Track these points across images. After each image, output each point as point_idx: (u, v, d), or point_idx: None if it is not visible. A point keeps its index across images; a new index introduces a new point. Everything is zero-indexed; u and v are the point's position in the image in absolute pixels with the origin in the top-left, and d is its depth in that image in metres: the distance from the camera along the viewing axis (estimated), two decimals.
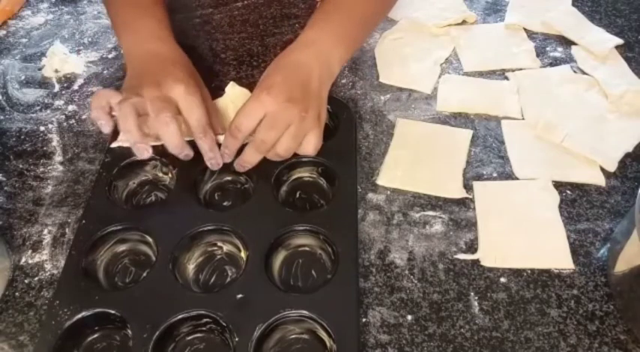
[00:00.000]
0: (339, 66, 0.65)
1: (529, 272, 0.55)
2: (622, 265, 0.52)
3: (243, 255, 0.56)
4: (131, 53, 0.65)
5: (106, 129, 0.60)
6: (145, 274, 0.55)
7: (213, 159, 0.59)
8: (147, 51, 0.64)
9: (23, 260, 0.58)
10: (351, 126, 0.66)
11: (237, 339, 0.48)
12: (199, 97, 0.59)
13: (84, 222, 0.58)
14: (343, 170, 0.61)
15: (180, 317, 0.50)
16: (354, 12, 0.67)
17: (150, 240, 0.57)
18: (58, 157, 0.68)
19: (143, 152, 0.59)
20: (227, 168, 0.62)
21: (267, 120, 0.56)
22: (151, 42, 0.65)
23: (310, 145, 0.58)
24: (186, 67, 0.64)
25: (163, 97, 0.57)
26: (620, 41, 0.77)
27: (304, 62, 0.60)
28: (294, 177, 0.64)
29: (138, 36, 0.66)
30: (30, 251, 0.59)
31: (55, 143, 0.69)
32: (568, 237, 0.57)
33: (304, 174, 0.64)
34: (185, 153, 0.59)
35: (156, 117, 0.56)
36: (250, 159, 0.58)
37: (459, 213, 0.60)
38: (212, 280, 0.56)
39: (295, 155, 0.61)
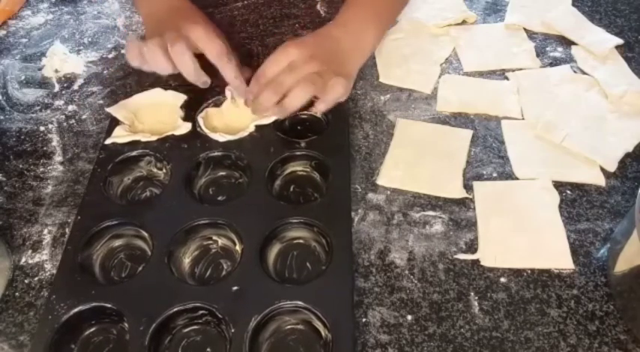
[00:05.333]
0: (373, 45, 0.71)
1: (529, 272, 0.55)
2: (622, 265, 0.52)
3: (238, 248, 0.56)
4: (150, 13, 0.71)
5: (151, 69, 0.65)
6: (140, 268, 0.55)
7: (240, 87, 0.64)
8: (166, 7, 0.69)
9: (23, 260, 0.58)
10: (343, 120, 0.67)
11: (233, 330, 0.49)
12: (214, 33, 0.63)
13: (79, 217, 0.58)
14: (336, 163, 0.61)
15: (176, 309, 0.50)
16: None
17: (145, 234, 0.57)
18: (58, 157, 0.68)
19: (204, 81, 0.65)
20: (221, 163, 0.64)
21: (288, 66, 0.61)
22: (168, 2, 0.70)
23: (335, 90, 0.61)
24: (199, 15, 0.68)
25: (182, 36, 0.61)
26: (620, 41, 0.77)
27: (336, 35, 0.66)
28: (287, 171, 0.64)
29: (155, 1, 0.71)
30: (30, 251, 0.59)
31: (55, 143, 0.70)
32: (568, 237, 0.57)
33: (298, 168, 0.64)
34: (202, 80, 0.64)
35: (171, 49, 0.61)
36: (266, 98, 0.60)
37: (459, 213, 0.60)
38: (208, 273, 0.56)
39: (290, 148, 0.62)
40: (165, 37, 0.62)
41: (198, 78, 0.64)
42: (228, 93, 0.67)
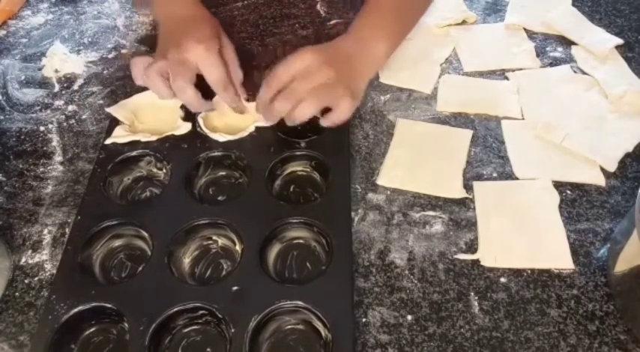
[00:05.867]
0: (384, 58, 0.69)
1: (529, 272, 0.55)
2: (622, 265, 0.52)
3: (238, 248, 0.56)
4: (163, 19, 0.70)
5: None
6: (140, 268, 0.55)
7: (237, 109, 0.66)
8: (176, 15, 0.68)
9: (23, 260, 0.58)
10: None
11: (233, 330, 0.49)
12: (216, 55, 0.63)
13: (79, 217, 0.58)
14: (336, 163, 0.62)
15: (176, 309, 0.51)
16: (397, 9, 0.70)
17: (145, 234, 0.57)
18: (58, 157, 0.68)
19: (208, 109, 0.66)
20: (221, 163, 0.64)
21: (301, 72, 0.60)
22: (179, 8, 0.69)
23: (341, 110, 0.60)
24: (208, 26, 0.67)
25: (182, 59, 0.61)
26: (620, 41, 0.77)
27: (347, 49, 0.65)
28: (287, 171, 0.64)
29: (170, 3, 0.70)
30: (30, 251, 0.59)
31: (55, 143, 0.70)
32: (568, 237, 0.57)
33: (298, 168, 0.64)
34: (205, 108, 0.65)
35: (173, 84, 0.61)
36: (279, 107, 0.60)
37: (459, 213, 0.60)
38: (208, 273, 0.56)
39: (290, 148, 0.63)
40: (168, 60, 0.62)
41: (201, 108, 0.65)
42: (214, 105, 0.67)
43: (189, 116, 0.67)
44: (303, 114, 0.59)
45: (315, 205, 0.59)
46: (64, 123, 0.72)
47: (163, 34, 0.68)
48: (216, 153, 0.64)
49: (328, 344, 0.49)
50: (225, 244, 0.58)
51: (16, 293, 0.56)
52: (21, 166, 0.67)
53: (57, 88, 0.77)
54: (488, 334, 0.51)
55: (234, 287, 0.52)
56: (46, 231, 0.60)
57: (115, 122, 0.67)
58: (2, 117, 0.73)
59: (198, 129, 0.66)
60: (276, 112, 0.61)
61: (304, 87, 0.59)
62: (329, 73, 0.60)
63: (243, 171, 0.64)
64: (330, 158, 0.62)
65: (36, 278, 0.57)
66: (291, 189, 0.63)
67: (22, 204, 0.63)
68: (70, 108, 0.74)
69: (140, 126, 0.68)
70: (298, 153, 0.63)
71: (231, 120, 0.67)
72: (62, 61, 0.79)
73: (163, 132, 0.65)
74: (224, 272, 0.56)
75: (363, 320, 0.52)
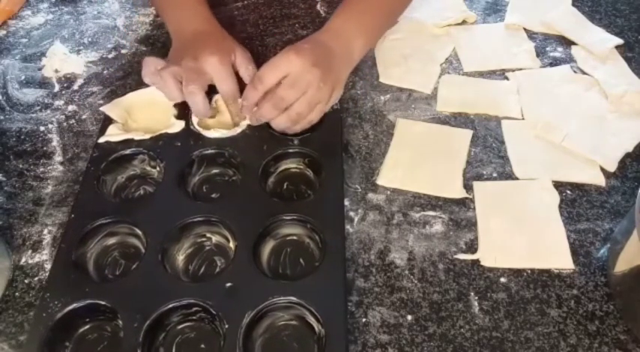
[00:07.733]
0: (360, 55, 0.68)
1: (529, 272, 0.55)
2: (622, 265, 0.52)
3: (231, 245, 0.57)
4: (177, 31, 0.71)
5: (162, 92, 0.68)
6: (134, 266, 0.55)
7: (239, 122, 0.66)
8: (191, 29, 0.69)
9: (23, 260, 0.58)
10: (337, 117, 0.67)
11: (226, 327, 0.49)
12: (230, 69, 0.64)
13: (73, 216, 0.58)
14: (329, 160, 0.62)
15: (170, 306, 0.51)
16: (377, 5, 0.70)
17: (139, 232, 0.57)
18: (58, 157, 0.68)
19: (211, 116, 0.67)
20: (214, 161, 0.64)
21: (289, 78, 0.59)
22: (194, 21, 0.70)
23: (315, 114, 0.61)
24: (222, 40, 0.69)
25: (198, 68, 0.63)
26: (620, 41, 0.77)
27: (328, 44, 0.64)
28: (281, 168, 0.64)
29: (183, 15, 0.72)
30: (30, 251, 0.59)
31: (55, 143, 0.69)
32: (568, 237, 0.57)
33: (291, 165, 0.64)
34: (209, 115, 0.66)
35: (185, 87, 0.62)
36: (266, 113, 0.61)
37: (459, 213, 0.60)
38: (201, 270, 0.56)
39: (283, 145, 0.63)
40: (183, 67, 0.63)
41: (205, 114, 0.65)
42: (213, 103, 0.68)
43: (183, 114, 0.67)
44: (293, 122, 0.60)
45: (308, 202, 0.59)
46: (64, 123, 0.72)
47: (178, 44, 0.69)
48: (209, 151, 0.64)
49: (322, 340, 0.49)
50: (218, 241, 0.58)
51: (16, 293, 0.56)
52: (21, 166, 0.67)
53: (57, 87, 0.77)
54: (488, 334, 0.51)
55: (228, 284, 0.52)
56: (46, 231, 0.60)
57: (108, 121, 0.67)
58: (2, 117, 0.73)
59: (192, 127, 0.66)
60: (262, 118, 0.61)
61: (292, 95, 0.59)
62: (315, 77, 0.59)
63: (236, 169, 0.64)
64: (324, 155, 0.62)
65: (36, 278, 0.57)
66: (285, 186, 0.63)
67: (22, 204, 0.63)
68: (70, 108, 0.74)
69: (133, 125, 0.68)
70: (291, 150, 0.63)
71: (224, 118, 0.67)
72: (62, 61, 0.79)
73: (157, 131, 0.65)
74: (218, 269, 0.56)
75: (363, 320, 0.52)
